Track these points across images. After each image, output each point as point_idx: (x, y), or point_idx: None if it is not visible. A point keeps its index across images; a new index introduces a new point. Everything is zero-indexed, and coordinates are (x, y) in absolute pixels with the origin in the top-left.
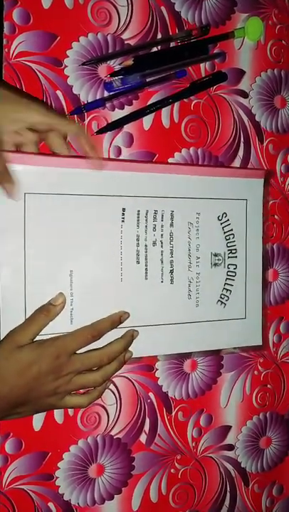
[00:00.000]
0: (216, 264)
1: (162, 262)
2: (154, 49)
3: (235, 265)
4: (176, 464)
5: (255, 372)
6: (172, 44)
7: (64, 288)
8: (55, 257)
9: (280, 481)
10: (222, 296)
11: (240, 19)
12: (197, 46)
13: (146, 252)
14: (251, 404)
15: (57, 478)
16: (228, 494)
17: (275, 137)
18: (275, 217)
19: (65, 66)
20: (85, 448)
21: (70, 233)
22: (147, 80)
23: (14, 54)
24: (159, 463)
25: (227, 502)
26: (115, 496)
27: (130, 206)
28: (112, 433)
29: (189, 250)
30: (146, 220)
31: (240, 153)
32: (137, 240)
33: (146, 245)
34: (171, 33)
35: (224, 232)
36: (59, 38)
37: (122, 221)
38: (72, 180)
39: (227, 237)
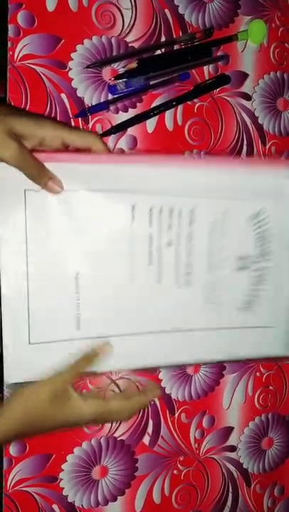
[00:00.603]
0: (242, 268)
1: (178, 263)
2: (158, 52)
3: (268, 269)
4: (178, 465)
5: (257, 374)
6: (176, 47)
7: (69, 292)
8: (59, 259)
9: (281, 481)
10: (248, 303)
11: (243, 22)
12: (201, 49)
13: (160, 252)
14: (253, 406)
15: (61, 480)
16: (230, 495)
17: (278, 139)
18: None
19: (70, 69)
20: (88, 450)
21: (74, 232)
22: (151, 82)
23: (19, 57)
24: (162, 464)
25: (229, 503)
26: (119, 497)
27: (141, 203)
28: (116, 435)
29: (210, 251)
30: (160, 218)
31: (243, 155)
32: (150, 239)
33: (159, 245)
34: (174, 36)
35: (257, 233)
36: (63, 40)
37: (132, 219)
38: (75, 175)
39: (259, 239)
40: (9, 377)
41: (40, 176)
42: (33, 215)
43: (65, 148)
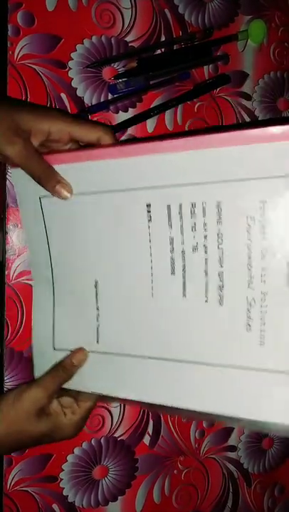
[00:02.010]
0: None
1: (207, 273)
2: (158, 51)
3: None
4: (179, 465)
5: None
6: (176, 46)
7: (89, 300)
8: (79, 265)
9: (281, 481)
10: None
11: (243, 22)
12: (200, 49)
13: (183, 260)
14: None
15: (61, 480)
16: (230, 495)
17: None
18: None
19: (69, 68)
20: (88, 450)
21: (91, 238)
22: (151, 82)
23: (18, 56)
24: (162, 464)
25: (229, 503)
26: (119, 497)
27: (156, 200)
28: (116, 435)
29: (249, 258)
30: (180, 217)
31: None
32: (171, 244)
33: (183, 251)
34: (174, 36)
35: None
36: (63, 40)
37: (149, 220)
38: (84, 176)
39: None
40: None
41: (48, 179)
42: (51, 222)
43: (74, 142)
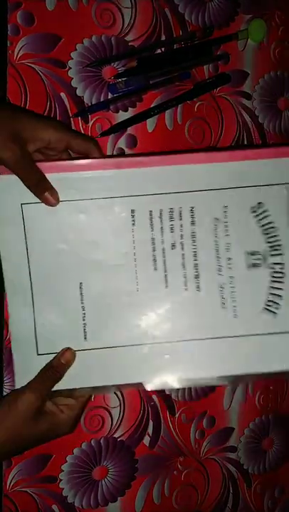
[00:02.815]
0: (254, 265)
1: (184, 266)
2: (158, 51)
3: (282, 264)
4: (179, 466)
5: None
6: (176, 46)
7: (75, 302)
8: (62, 269)
9: (282, 482)
10: (269, 304)
11: (243, 21)
12: (200, 48)
13: (164, 256)
14: (254, 406)
15: (60, 480)
16: (230, 496)
17: (278, 139)
18: None
19: (69, 68)
20: (88, 450)
21: (75, 242)
22: (151, 81)
23: (18, 56)
24: (162, 465)
25: (230, 503)
26: (118, 498)
27: (140, 207)
28: (116, 435)
29: (217, 251)
30: (160, 220)
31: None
32: (153, 243)
33: (163, 249)
34: (174, 35)
35: (261, 226)
36: (63, 39)
37: (133, 224)
38: (71, 185)
39: (265, 232)
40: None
41: (39, 186)
42: (32, 229)
43: (66, 152)
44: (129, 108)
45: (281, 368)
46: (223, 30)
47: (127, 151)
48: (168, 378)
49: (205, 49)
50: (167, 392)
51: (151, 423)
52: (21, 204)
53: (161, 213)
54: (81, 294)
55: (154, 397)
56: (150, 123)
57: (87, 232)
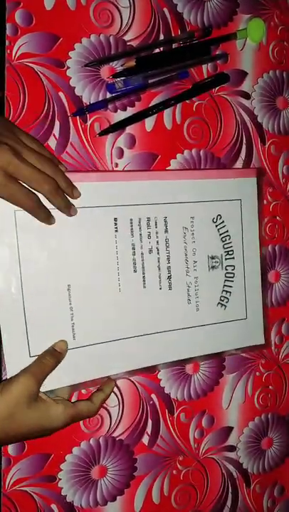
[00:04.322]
0: (213, 267)
1: (160, 268)
2: (157, 50)
3: (233, 266)
4: (178, 465)
5: (257, 374)
6: (174, 45)
7: (63, 304)
8: (51, 273)
9: (281, 481)
10: (222, 299)
11: (242, 20)
12: (199, 47)
13: (142, 260)
14: (253, 406)
15: (59, 479)
16: (229, 495)
17: (277, 138)
18: (277, 218)
19: (68, 67)
20: (87, 450)
21: (63, 248)
22: (149, 81)
23: (16, 55)
24: (161, 464)
25: (229, 503)
26: (118, 497)
27: (122, 215)
28: (115, 435)
29: (186, 255)
30: (140, 228)
31: (243, 154)
32: (133, 248)
33: (142, 253)
34: (173, 35)
35: (220, 234)
36: (61, 39)
37: (116, 231)
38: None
39: (223, 239)
40: None
41: (37, 213)
42: (24, 235)
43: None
44: (128, 107)
45: (229, 347)
46: (222, 29)
47: (126, 150)
48: (149, 361)
49: (204, 48)
50: (166, 392)
51: (150, 422)
52: (15, 211)
53: (140, 221)
54: (69, 294)
55: (153, 396)
56: (149, 122)
57: (76, 238)
